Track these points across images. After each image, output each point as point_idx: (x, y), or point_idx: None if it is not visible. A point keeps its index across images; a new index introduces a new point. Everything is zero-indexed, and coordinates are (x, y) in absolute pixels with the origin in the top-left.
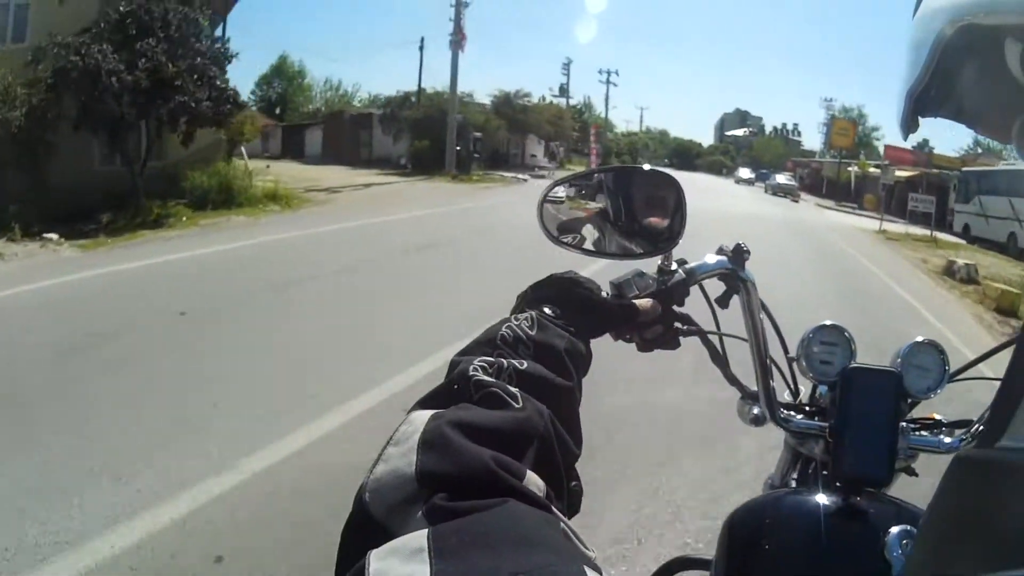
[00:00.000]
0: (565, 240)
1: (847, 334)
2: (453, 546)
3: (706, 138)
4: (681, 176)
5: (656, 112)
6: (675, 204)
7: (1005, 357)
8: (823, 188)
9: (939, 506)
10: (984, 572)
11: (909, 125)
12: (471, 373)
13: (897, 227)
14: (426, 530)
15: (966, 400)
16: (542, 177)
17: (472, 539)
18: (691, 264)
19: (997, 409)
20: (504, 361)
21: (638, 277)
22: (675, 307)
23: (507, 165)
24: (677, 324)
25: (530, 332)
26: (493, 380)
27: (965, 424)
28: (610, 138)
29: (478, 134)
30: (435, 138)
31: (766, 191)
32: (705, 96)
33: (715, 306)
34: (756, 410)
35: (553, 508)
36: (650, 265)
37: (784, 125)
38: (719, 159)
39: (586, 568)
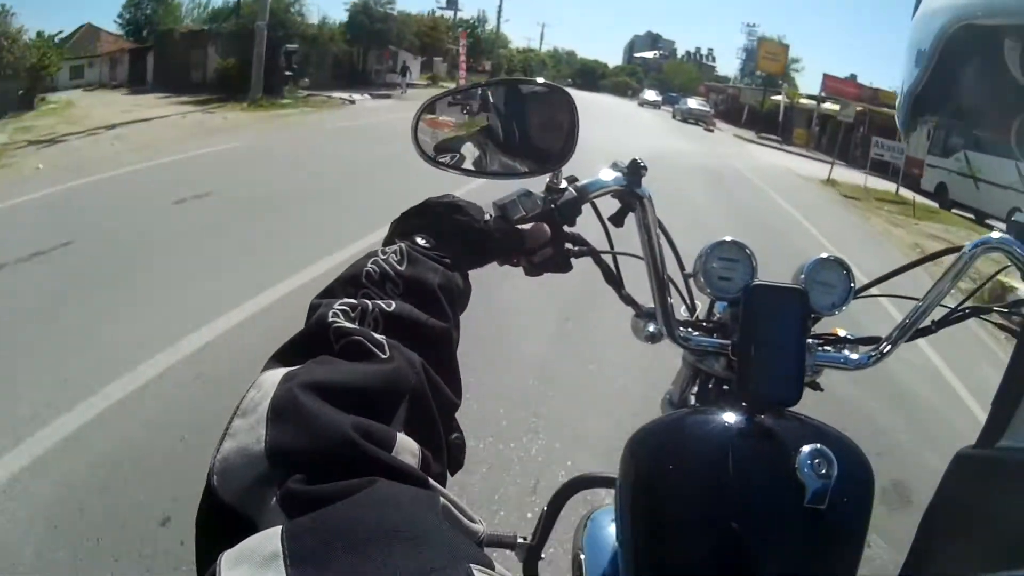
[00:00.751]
0: (443, 160)
1: (748, 250)
2: (311, 549)
3: (614, 60)
4: (579, 96)
5: (563, 33)
6: (567, 120)
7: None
8: (742, 117)
9: (939, 506)
10: (984, 572)
11: (909, 124)
12: (330, 319)
13: (845, 175)
14: (280, 528)
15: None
16: (387, 97)
17: (333, 537)
18: (583, 181)
19: (997, 409)
20: (369, 303)
21: (524, 197)
22: (565, 227)
23: (362, 84)
24: (568, 245)
25: (399, 267)
26: (356, 327)
27: (872, 341)
28: (502, 54)
29: (292, 46)
30: (248, 55)
31: (675, 117)
32: (615, 17)
33: (609, 225)
34: (652, 327)
35: (430, 481)
36: (538, 185)
37: (698, 49)
38: (625, 80)
39: (473, 568)
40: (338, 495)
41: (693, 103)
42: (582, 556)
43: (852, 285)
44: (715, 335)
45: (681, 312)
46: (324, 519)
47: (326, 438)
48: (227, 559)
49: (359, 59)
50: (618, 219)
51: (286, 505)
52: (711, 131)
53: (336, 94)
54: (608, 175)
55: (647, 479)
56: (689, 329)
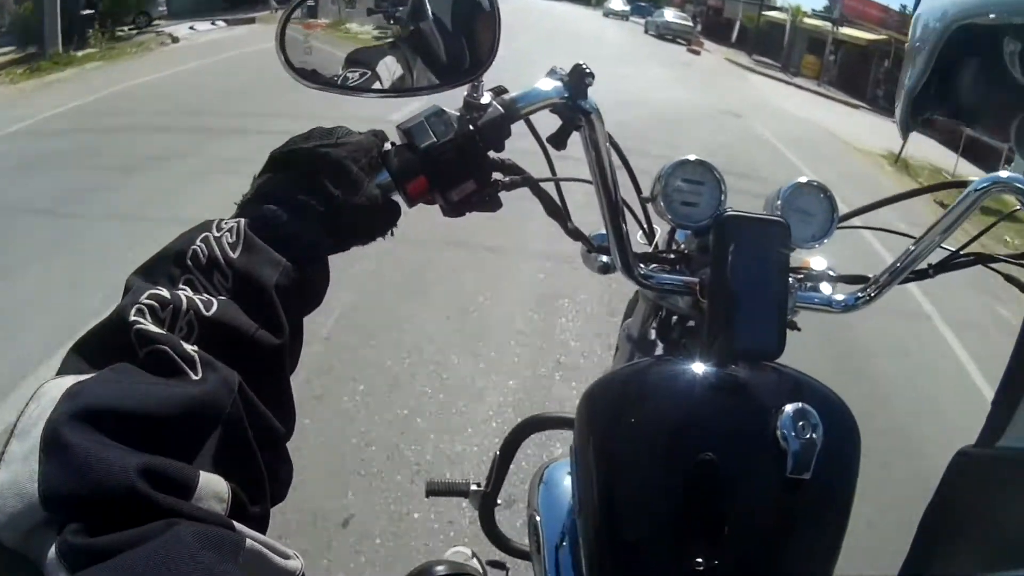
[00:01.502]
0: (323, 77)
1: (716, 173)
2: None
3: None
4: (530, 4)
5: None
6: (486, 17)
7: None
8: (732, 35)
9: (939, 505)
10: (984, 572)
11: (908, 124)
12: (133, 317)
13: (887, 131)
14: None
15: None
16: (249, 21)
17: None
18: (511, 94)
19: (997, 409)
20: (185, 298)
21: (434, 117)
22: (491, 153)
23: (251, 6)
24: (496, 176)
25: (231, 254)
26: (163, 333)
27: (860, 280)
28: None
29: None
30: None
31: (647, 31)
32: None
33: (548, 147)
34: (605, 258)
35: (235, 524)
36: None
37: None
38: None
39: None
40: (124, 546)
41: (671, 15)
42: (538, 518)
43: (835, 214)
44: (679, 268)
45: (638, 239)
46: (107, 573)
47: (105, 486)
48: None
49: None
50: (559, 140)
51: (65, 557)
52: (697, 53)
53: (170, 28)
54: (546, 85)
55: (607, 438)
56: (649, 264)
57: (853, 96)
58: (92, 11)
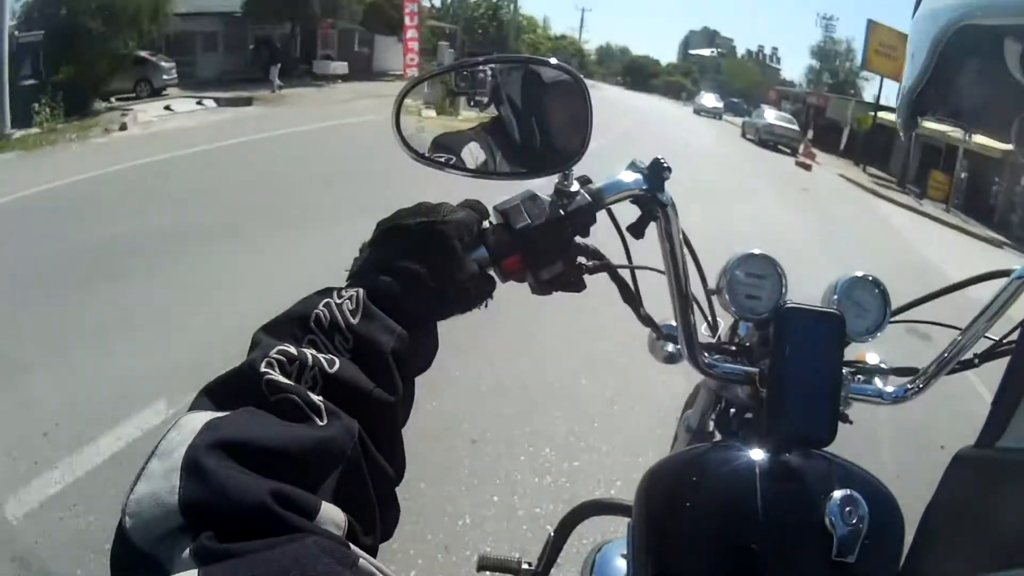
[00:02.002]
0: (438, 159)
1: (779, 267)
2: None
3: (668, 57)
4: (621, 98)
5: (613, 25)
6: (580, 111)
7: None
8: (840, 141)
9: (939, 505)
10: (984, 572)
11: (908, 124)
12: (263, 370)
13: None
14: (195, 571)
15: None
16: (245, 103)
17: None
18: (597, 184)
19: (997, 409)
20: (310, 356)
21: (529, 201)
22: (577, 238)
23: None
24: (581, 260)
25: (352, 320)
26: (291, 384)
27: (909, 372)
28: (528, 40)
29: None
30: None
31: (745, 134)
32: (670, 9)
33: (627, 235)
34: (671, 347)
35: (351, 545)
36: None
37: (760, 48)
38: (679, 80)
39: None
40: (255, 550)
41: (772, 115)
42: None
43: (889, 308)
44: (740, 359)
45: (702, 331)
46: (238, 567)
47: (240, 502)
48: None
49: (296, 41)
50: (638, 229)
51: (198, 556)
52: (807, 168)
53: (141, 106)
54: (628, 177)
55: (664, 519)
56: (713, 354)
57: (987, 225)
58: (35, 81)
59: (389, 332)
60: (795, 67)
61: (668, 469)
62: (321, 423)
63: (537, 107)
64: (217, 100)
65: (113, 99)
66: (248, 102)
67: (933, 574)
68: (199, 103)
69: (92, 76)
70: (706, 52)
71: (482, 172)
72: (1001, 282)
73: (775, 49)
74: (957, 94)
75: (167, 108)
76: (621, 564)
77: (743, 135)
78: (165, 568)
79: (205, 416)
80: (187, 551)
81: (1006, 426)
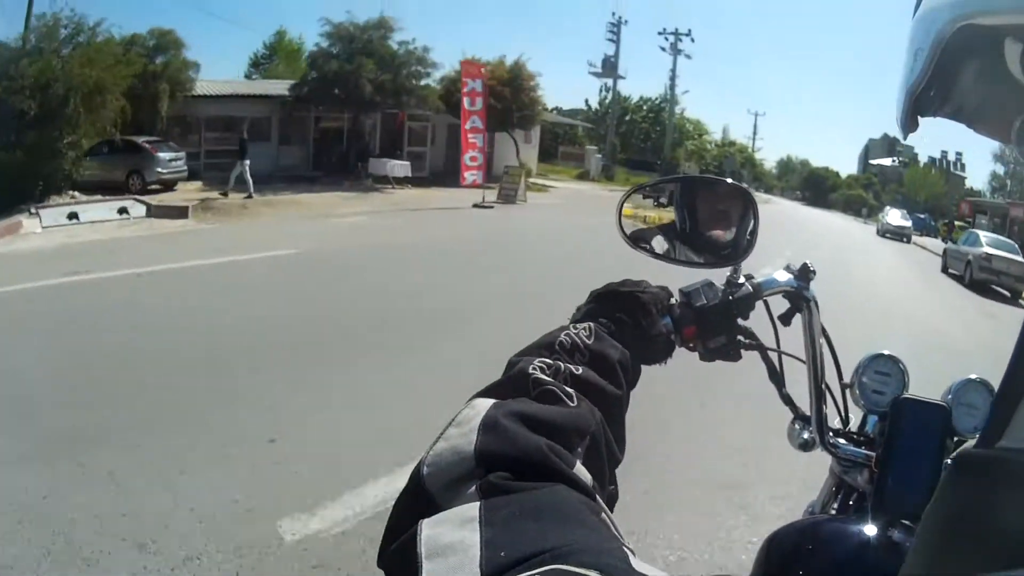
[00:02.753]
0: (643, 245)
1: (901, 365)
2: (503, 517)
3: (848, 168)
4: (796, 216)
5: (789, 132)
6: (749, 220)
7: None
8: None
9: (939, 506)
10: (983, 572)
11: (908, 125)
12: (530, 371)
13: None
14: (478, 502)
15: None
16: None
17: (521, 512)
18: (758, 279)
19: (997, 409)
20: (561, 364)
21: (707, 287)
22: (739, 320)
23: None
24: (740, 337)
25: (587, 341)
26: (550, 379)
27: None
28: (691, 148)
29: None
30: None
31: (947, 268)
32: (850, 120)
33: (777, 323)
34: (806, 434)
35: (597, 498)
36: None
37: (944, 155)
38: (859, 193)
39: (625, 548)
40: (527, 490)
41: (985, 239)
42: None
43: None
44: (863, 447)
45: (835, 423)
46: (514, 499)
47: (524, 449)
48: (428, 523)
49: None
50: (786, 318)
51: (484, 491)
52: None
53: (49, 211)
54: (782, 276)
55: None
56: (840, 440)
57: None
58: None
59: (614, 348)
60: (978, 174)
61: (784, 536)
62: (572, 405)
63: (714, 211)
64: (149, 208)
65: (74, 194)
66: (184, 213)
67: (933, 574)
68: (122, 212)
69: (16, 167)
70: (887, 161)
71: (673, 259)
72: None
73: (959, 155)
74: (957, 94)
75: (70, 217)
76: None
77: (944, 269)
78: (444, 508)
79: (491, 400)
80: (473, 487)
81: (1006, 427)
